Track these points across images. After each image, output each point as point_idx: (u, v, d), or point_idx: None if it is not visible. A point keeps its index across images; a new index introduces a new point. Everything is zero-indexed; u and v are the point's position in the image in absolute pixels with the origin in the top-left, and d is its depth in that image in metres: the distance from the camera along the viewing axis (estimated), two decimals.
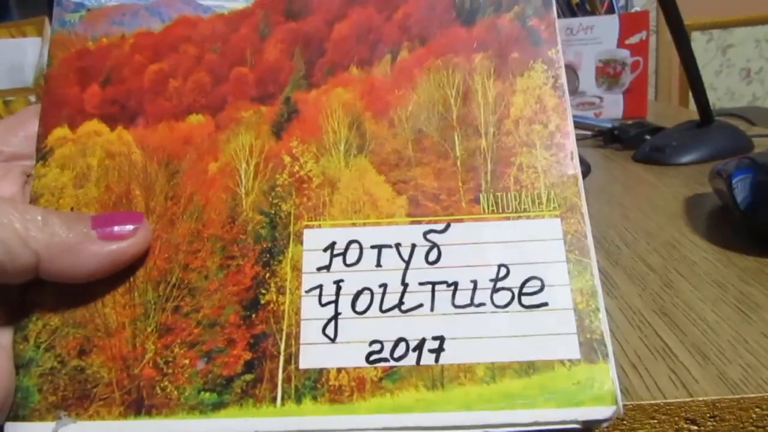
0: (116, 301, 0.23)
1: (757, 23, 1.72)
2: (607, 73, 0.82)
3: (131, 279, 0.23)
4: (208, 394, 0.21)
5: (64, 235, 0.21)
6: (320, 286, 0.22)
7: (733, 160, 0.40)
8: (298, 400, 0.21)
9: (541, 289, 0.22)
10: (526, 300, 0.22)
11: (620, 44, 0.80)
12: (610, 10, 0.87)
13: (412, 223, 0.23)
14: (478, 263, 0.22)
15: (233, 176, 0.24)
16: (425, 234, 0.23)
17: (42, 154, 0.25)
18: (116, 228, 0.22)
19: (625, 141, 0.64)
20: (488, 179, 0.23)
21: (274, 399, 0.21)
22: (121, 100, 0.25)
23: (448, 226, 0.23)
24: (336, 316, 0.22)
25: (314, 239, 0.23)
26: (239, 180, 0.24)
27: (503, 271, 0.22)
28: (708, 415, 0.22)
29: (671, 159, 0.56)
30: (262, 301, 0.22)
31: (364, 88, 0.25)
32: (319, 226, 0.23)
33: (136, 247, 0.22)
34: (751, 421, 0.22)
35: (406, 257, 0.22)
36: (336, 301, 0.22)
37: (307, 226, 0.23)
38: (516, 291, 0.22)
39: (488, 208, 0.23)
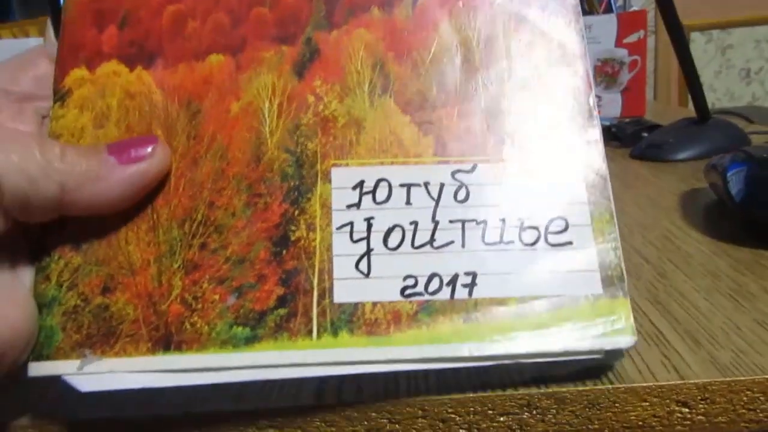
0: (140, 239, 0.22)
1: (756, 24, 1.73)
2: (606, 72, 0.82)
3: (155, 217, 0.23)
4: (240, 328, 0.21)
5: (85, 165, 0.21)
6: (351, 223, 0.22)
7: (729, 154, 0.40)
8: (335, 333, 0.21)
9: (566, 229, 0.22)
10: (551, 239, 0.22)
11: (618, 43, 0.81)
12: (609, 10, 0.88)
13: (440, 162, 0.23)
14: (505, 203, 0.23)
15: (256, 115, 0.24)
16: (453, 174, 0.23)
17: (60, 95, 0.24)
18: (133, 151, 0.22)
19: (622, 139, 0.64)
20: (512, 122, 0.24)
21: (309, 332, 0.21)
22: (140, 41, 0.25)
23: (475, 166, 0.23)
24: (368, 252, 0.22)
25: (342, 177, 0.23)
26: (263, 119, 0.24)
27: (529, 211, 0.23)
28: (699, 397, 0.22)
29: (668, 155, 0.56)
30: (293, 238, 0.22)
31: (386, 29, 0.25)
32: (347, 165, 0.23)
33: (157, 167, 0.22)
34: (741, 404, 0.22)
35: (435, 196, 0.23)
36: (368, 238, 0.22)
37: (334, 165, 0.23)
38: (542, 230, 0.22)
39: (513, 151, 0.24)
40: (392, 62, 0.25)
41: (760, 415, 0.22)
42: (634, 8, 0.89)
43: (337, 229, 0.22)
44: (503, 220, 0.23)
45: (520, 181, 0.23)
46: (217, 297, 0.22)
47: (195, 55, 0.25)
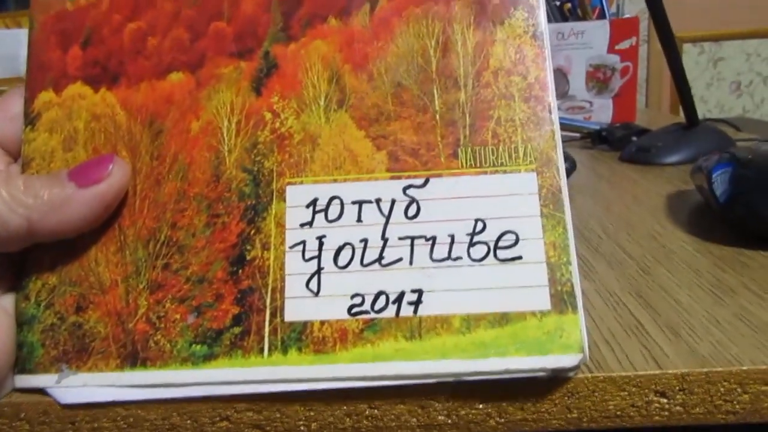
0: (109, 260, 0.24)
1: (747, 37, 1.75)
2: (597, 78, 0.83)
3: (122, 238, 0.24)
4: (199, 346, 0.22)
5: (47, 195, 0.22)
6: (303, 242, 0.23)
7: (715, 154, 0.41)
8: (284, 351, 0.22)
9: (516, 243, 0.22)
10: (501, 254, 0.22)
11: (610, 49, 0.81)
12: (602, 17, 0.88)
13: (392, 178, 0.23)
14: (455, 218, 0.23)
15: (216, 134, 0.24)
16: (404, 189, 0.23)
17: (30, 119, 0.25)
18: (92, 174, 0.23)
19: (612, 142, 0.65)
20: (467, 133, 0.24)
21: (261, 350, 0.22)
22: (102, 61, 0.26)
23: (427, 181, 0.23)
24: (319, 271, 0.23)
25: (297, 196, 0.23)
26: (222, 138, 0.24)
27: (480, 225, 0.22)
28: (677, 387, 0.22)
29: (656, 159, 0.56)
30: (248, 257, 0.23)
31: (343, 39, 0.25)
32: (301, 183, 0.24)
33: (116, 186, 0.23)
34: (719, 394, 0.22)
35: (386, 212, 0.23)
36: (319, 256, 0.23)
37: (289, 183, 0.24)
38: (492, 245, 0.22)
39: (466, 163, 0.23)
40: (349, 74, 0.25)
41: (737, 406, 0.22)
42: (628, 15, 0.90)
43: (290, 248, 0.23)
44: (452, 236, 0.23)
45: (471, 195, 0.23)
46: (178, 316, 0.23)
47: (156, 73, 0.25)
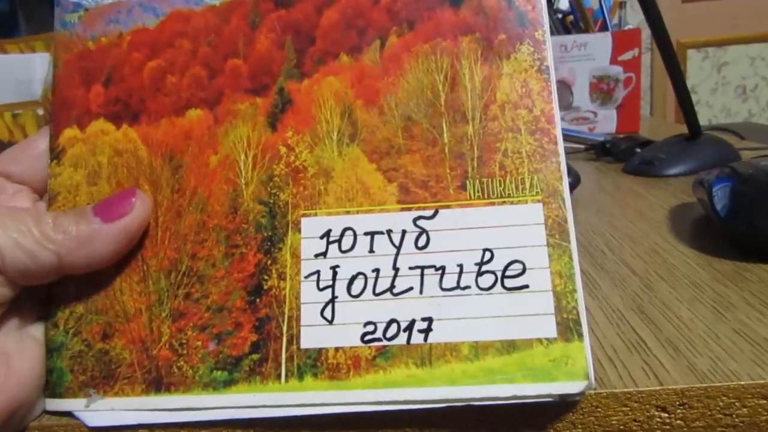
0: (133, 289, 0.25)
1: (751, 41, 1.75)
2: (601, 89, 0.84)
3: (145, 268, 0.25)
4: (219, 372, 0.24)
5: (75, 231, 0.23)
6: (318, 272, 0.24)
7: (716, 169, 0.41)
8: (300, 377, 0.23)
9: (523, 272, 0.23)
10: (508, 282, 0.23)
11: (613, 61, 0.82)
12: (604, 28, 0.89)
13: (403, 210, 0.24)
14: (464, 248, 0.24)
15: (233, 168, 0.25)
16: (415, 220, 0.24)
17: (55, 154, 0.27)
18: (116, 208, 0.24)
19: (616, 154, 0.65)
20: (474, 165, 0.24)
21: (278, 376, 0.23)
22: (124, 98, 0.27)
23: (436, 212, 0.24)
24: (333, 300, 0.24)
25: (311, 227, 0.25)
26: (239, 171, 0.25)
27: (488, 255, 0.23)
28: (678, 402, 0.23)
29: (660, 171, 0.57)
30: (265, 287, 0.24)
31: (354, 75, 0.26)
32: (316, 215, 0.25)
33: (139, 219, 0.24)
34: (718, 408, 0.23)
35: (397, 243, 0.24)
36: (333, 286, 0.24)
37: (304, 215, 0.25)
38: (499, 274, 0.23)
39: (474, 194, 0.24)
40: (360, 109, 0.26)
41: (736, 420, 0.23)
42: (630, 26, 0.91)
43: (305, 277, 0.24)
44: (461, 266, 0.24)
45: (479, 225, 0.24)
46: (199, 343, 0.24)
47: (175, 110, 0.27)
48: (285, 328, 0.24)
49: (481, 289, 0.23)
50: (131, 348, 0.24)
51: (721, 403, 0.23)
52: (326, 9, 0.27)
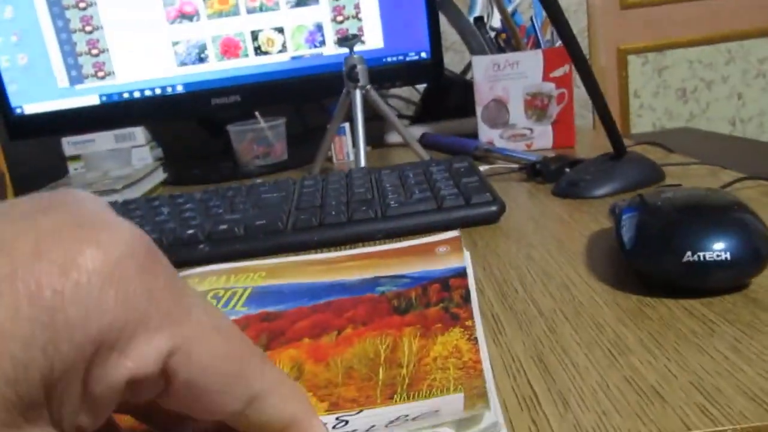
0: None
1: (689, 45, 1.80)
2: (535, 106, 0.85)
3: None
4: None
5: None
6: None
7: (630, 197, 0.42)
8: None
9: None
10: None
11: (545, 78, 0.83)
12: (537, 45, 0.91)
13: (328, 413, 0.27)
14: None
15: None
16: (338, 417, 0.26)
17: None
18: None
19: (546, 175, 0.66)
20: (404, 387, 0.28)
21: None
22: None
23: (360, 411, 0.26)
24: None
25: None
26: None
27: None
28: None
29: (585, 193, 0.58)
30: None
31: (311, 348, 0.32)
32: None
33: None
34: None
35: None
36: None
37: None
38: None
39: (400, 401, 0.27)
40: (309, 363, 0.31)
41: None
42: (559, 43, 0.92)
43: None
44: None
45: (401, 413, 0.25)
46: None
47: None
48: None
49: None
50: None
51: None
52: (299, 321, 0.36)
